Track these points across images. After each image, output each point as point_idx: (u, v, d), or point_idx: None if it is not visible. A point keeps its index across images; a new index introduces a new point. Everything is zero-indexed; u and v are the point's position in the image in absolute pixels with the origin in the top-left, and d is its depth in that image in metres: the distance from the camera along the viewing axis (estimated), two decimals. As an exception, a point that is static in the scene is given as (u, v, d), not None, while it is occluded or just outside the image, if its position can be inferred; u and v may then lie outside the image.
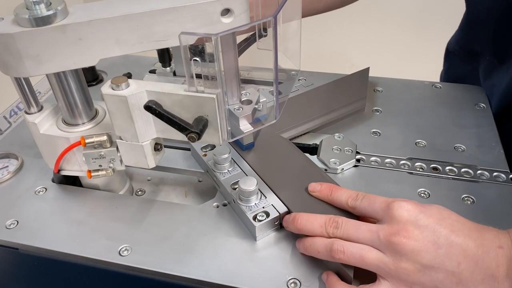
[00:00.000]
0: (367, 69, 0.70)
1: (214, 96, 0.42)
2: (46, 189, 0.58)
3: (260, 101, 0.51)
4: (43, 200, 0.56)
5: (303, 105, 0.66)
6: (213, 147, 0.59)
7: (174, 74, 0.72)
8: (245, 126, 0.49)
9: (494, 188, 0.55)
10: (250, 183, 0.50)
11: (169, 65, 0.65)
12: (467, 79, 0.78)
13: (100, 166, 0.50)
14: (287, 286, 0.45)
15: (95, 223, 0.53)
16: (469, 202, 0.54)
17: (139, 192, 0.62)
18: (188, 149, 0.62)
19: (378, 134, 0.65)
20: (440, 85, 0.75)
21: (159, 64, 0.70)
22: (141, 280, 0.49)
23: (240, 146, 0.58)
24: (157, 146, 0.49)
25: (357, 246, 0.43)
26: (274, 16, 0.41)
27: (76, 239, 0.51)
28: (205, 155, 0.59)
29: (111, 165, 0.50)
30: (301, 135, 0.64)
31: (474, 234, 0.41)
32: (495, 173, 0.57)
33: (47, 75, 0.48)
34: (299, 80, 0.77)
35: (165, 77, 0.73)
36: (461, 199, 0.54)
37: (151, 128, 0.47)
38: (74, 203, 0.55)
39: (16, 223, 0.53)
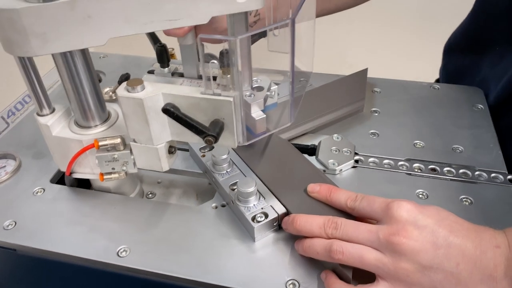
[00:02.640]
0: (366, 70, 0.71)
1: (231, 99, 0.42)
2: (44, 189, 0.57)
3: (272, 88, 0.50)
4: (41, 201, 0.56)
5: (302, 106, 0.66)
6: (211, 147, 0.59)
7: (172, 74, 0.72)
8: (257, 113, 0.48)
9: (492, 189, 0.55)
10: (249, 184, 0.50)
11: (167, 65, 0.65)
12: (467, 73, 0.78)
13: (113, 169, 0.50)
14: (286, 287, 0.45)
15: (93, 224, 0.52)
16: (467, 203, 0.54)
17: (150, 195, 0.61)
18: (187, 150, 0.62)
19: (377, 135, 0.65)
20: (438, 86, 0.75)
21: (158, 65, 0.70)
22: (139, 281, 0.49)
23: (250, 132, 0.58)
24: (171, 149, 0.49)
25: (356, 247, 0.43)
26: (292, 18, 0.40)
27: (74, 240, 0.51)
28: (204, 155, 0.59)
29: (124, 168, 0.50)
30: (299, 136, 0.64)
31: (472, 234, 0.41)
32: (493, 174, 0.57)
33: (59, 73, 0.47)
34: (300, 81, 0.77)
35: (163, 77, 0.73)
36: (459, 200, 0.54)
37: (166, 131, 0.46)
38: (72, 204, 0.55)
39: (14, 223, 0.53)
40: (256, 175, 0.55)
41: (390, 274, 0.41)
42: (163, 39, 0.55)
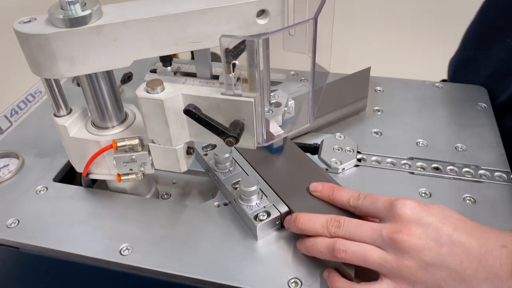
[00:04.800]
0: (368, 69, 0.70)
1: (252, 99, 0.42)
2: (47, 188, 0.58)
3: (289, 103, 0.50)
4: (44, 199, 0.56)
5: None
6: (213, 146, 0.59)
7: (175, 73, 0.72)
8: (275, 129, 0.48)
9: (495, 188, 0.55)
10: (251, 183, 0.50)
11: (170, 64, 0.65)
12: (476, 66, 0.77)
13: (131, 170, 0.50)
14: (288, 285, 0.45)
15: (96, 223, 0.53)
16: (470, 202, 0.54)
17: (165, 196, 0.61)
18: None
19: (379, 134, 0.65)
20: (441, 85, 0.75)
21: (160, 64, 0.70)
22: (142, 280, 0.49)
23: (269, 150, 0.58)
24: (190, 150, 0.49)
25: (360, 245, 0.43)
26: (314, 18, 0.40)
27: (77, 238, 0.51)
28: (206, 154, 0.59)
29: (142, 169, 0.50)
30: (302, 135, 0.64)
31: (477, 233, 0.41)
32: (496, 173, 0.57)
33: (78, 76, 0.48)
34: (301, 80, 0.77)
35: (166, 76, 0.73)
36: (462, 199, 0.54)
37: (185, 132, 0.46)
38: (74, 202, 0.55)
39: (17, 222, 0.53)
40: (259, 174, 0.55)
41: (394, 272, 0.41)
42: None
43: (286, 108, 0.50)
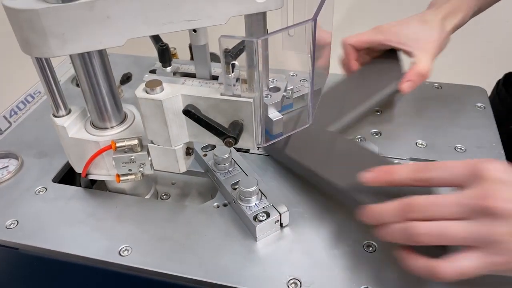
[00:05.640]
0: (394, 50, 0.67)
1: (251, 100, 0.42)
2: (46, 189, 0.58)
3: (288, 88, 0.49)
4: (43, 200, 0.56)
5: (340, 98, 0.63)
6: (213, 147, 0.59)
7: (174, 74, 0.72)
8: (274, 114, 0.48)
9: (494, 188, 0.55)
10: (250, 183, 0.50)
11: (169, 65, 0.65)
12: None
13: (130, 170, 0.50)
14: (288, 286, 0.45)
15: (95, 223, 0.53)
16: (469, 202, 0.53)
17: (164, 196, 0.61)
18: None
19: (379, 135, 0.65)
20: (440, 85, 0.75)
21: (159, 64, 0.70)
22: (141, 280, 0.49)
23: (268, 135, 0.57)
24: (189, 150, 0.49)
25: (435, 224, 0.38)
26: (314, 19, 0.40)
27: (76, 239, 0.51)
28: (205, 155, 0.59)
29: (141, 169, 0.50)
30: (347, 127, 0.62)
31: None
32: (495, 174, 0.57)
33: (77, 74, 0.47)
34: (300, 81, 0.76)
35: (165, 77, 0.73)
36: (461, 200, 0.54)
37: (184, 132, 0.46)
38: (74, 203, 0.55)
39: (16, 223, 0.53)
40: (308, 169, 0.52)
41: (484, 243, 0.37)
42: (165, 38, 0.56)
43: (285, 93, 0.49)
